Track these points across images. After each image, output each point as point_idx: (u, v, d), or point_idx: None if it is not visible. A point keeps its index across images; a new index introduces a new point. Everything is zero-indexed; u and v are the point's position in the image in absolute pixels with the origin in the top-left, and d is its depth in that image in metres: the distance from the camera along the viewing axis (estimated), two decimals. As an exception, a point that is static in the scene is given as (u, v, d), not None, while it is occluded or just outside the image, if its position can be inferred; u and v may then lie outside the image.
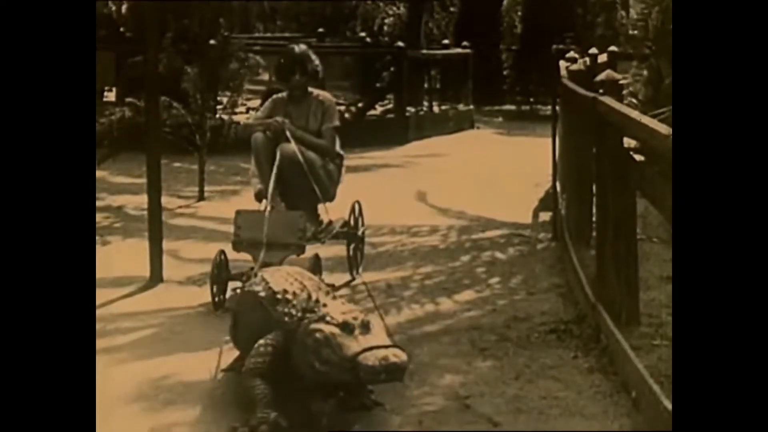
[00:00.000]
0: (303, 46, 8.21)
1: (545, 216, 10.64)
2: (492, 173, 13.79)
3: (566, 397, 5.61)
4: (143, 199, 8.75)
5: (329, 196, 7.96)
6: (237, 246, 7.57)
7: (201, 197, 11.96)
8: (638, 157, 6.15)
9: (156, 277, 8.07)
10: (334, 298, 5.35)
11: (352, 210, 8.33)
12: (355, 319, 4.94)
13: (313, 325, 5.00)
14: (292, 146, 7.65)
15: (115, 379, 5.83)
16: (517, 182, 12.71)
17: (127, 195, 11.70)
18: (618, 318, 6.16)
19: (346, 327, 4.89)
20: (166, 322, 7.09)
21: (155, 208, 8.26)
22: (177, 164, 13.07)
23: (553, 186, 10.17)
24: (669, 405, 4.82)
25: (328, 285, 5.85)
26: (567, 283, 7.86)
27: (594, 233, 7.42)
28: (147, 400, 5.62)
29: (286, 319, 5.23)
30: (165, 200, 8.83)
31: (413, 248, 9.58)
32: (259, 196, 7.90)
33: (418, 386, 5.78)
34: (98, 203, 10.25)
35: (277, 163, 7.60)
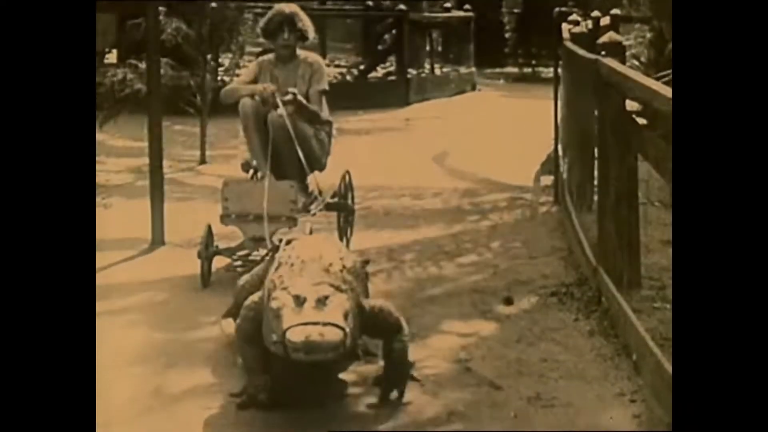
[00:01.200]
0: (293, 5, 7.66)
1: (547, 179, 10.64)
2: (493, 136, 13.76)
3: (567, 360, 5.62)
4: (144, 162, 8.75)
5: (321, 167, 7.57)
6: (225, 219, 7.25)
7: (202, 160, 11.96)
8: (640, 120, 6.13)
9: (157, 239, 8.08)
10: (327, 270, 4.97)
11: (342, 179, 7.94)
12: (317, 292, 4.65)
13: (275, 293, 4.78)
14: (283, 114, 7.20)
15: (117, 341, 5.84)
16: (518, 145, 12.69)
17: (129, 158, 11.70)
18: (619, 281, 6.16)
19: (298, 299, 4.62)
20: (167, 285, 7.10)
21: (156, 170, 8.24)
22: (178, 127, 13.05)
23: (555, 149, 10.15)
24: (669, 368, 4.84)
25: (362, 261, 5.62)
26: (568, 247, 7.87)
27: (595, 197, 7.41)
28: (149, 363, 5.63)
29: (270, 285, 5.00)
30: (166, 163, 8.83)
31: (415, 211, 9.57)
32: (246, 166, 7.60)
33: (420, 349, 5.79)
34: (99, 166, 10.25)
35: (271, 133, 7.19)
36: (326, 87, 7.58)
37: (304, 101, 7.32)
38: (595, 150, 7.51)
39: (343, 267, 5.11)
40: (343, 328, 4.54)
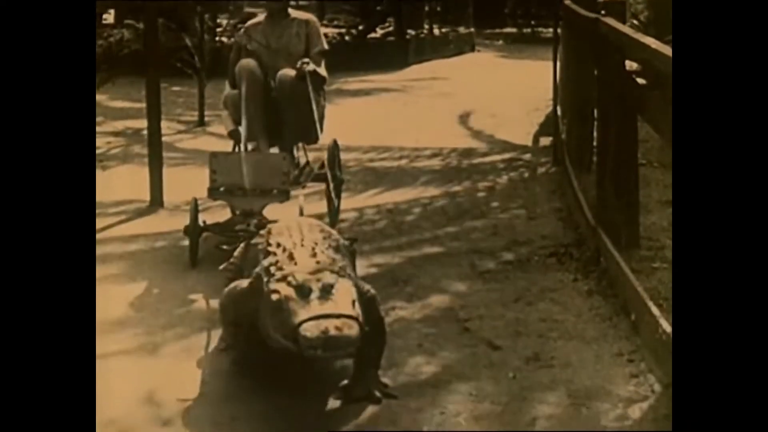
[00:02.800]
0: None
1: (546, 140, 10.62)
2: (492, 97, 13.73)
3: (566, 320, 5.64)
4: (143, 124, 8.73)
5: (316, 138, 7.15)
6: (213, 193, 6.82)
7: (201, 122, 11.93)
8: (640, 81, 6.12)
9: (156, 201, 8.07)
10: (314, 254, 4.66)
11: (329, 149, 7.47)
12: (318, 280, 4.34)
13: (273, 285, 4.44)
14: (291, 72, 6.92)
15: (114, 301, 5.86)
16: (517, 106, 12.67)
17: (127, 120, 11.67)
18: (618, 241, 6.17)
19: (302, 290, 4.29)
20: (166, 246, 7.10)
21: (155, 132, 8.22)
22: (176, 88, 13.02)
23: (554, 110, 10.13)
24: (668, 328, 4.85)
25: (347, 240, 5.39)
26: (567, 207, 7.87)
27: (595, 157, 7.41)
28: (146, 325, 5.64)
29: (264, 274, 4.63)
30: (164, 125, 8.80)
31: (414, 172, 9.57)
32: (236, 134, 7.15)
33: (418, 309, 5.81)
34: (97, 128, 10.23)
35: (273, 93, 6.86)
36: (326, 47, 7.37)
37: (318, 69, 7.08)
38: (595, 111, 7.49)
39: (335, 247, 4.89)
40: (356, 319, 4.25)
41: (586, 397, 4.68)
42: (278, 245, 4.78)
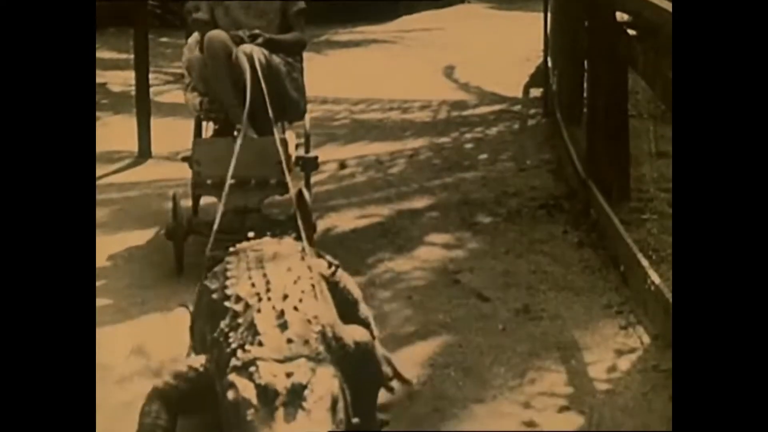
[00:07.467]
0: None
1: (536, 92, 10.58)
2: (483, 48, 13.66)
3: (555, 271, 5.64)
4: (130, 75, 8.67)
5: (300, 113, 6.22)
6: (199, 187, 5.84)
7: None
8: (631, 32, 6.08)
9: (145, 152, 8.06)
10: (283, 322, 3.58)
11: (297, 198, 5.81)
12: (288, 376, 3.35)
13: (231, 377, 3.43)
14: (256, 50, 5.81)
15: (108, 252, 5.85)
16: (507, 57, 12.60)
17: (115, 71, 11.58)
18: (608, 193, 6.16)
19: (265, 393, 3.32)
20: (156, 194, 7.09)
21: (143, 84, 8.19)
22: (164, 39, 12.92)
23: (545, 61, 10.08)
24: (657, 279, 4.86)
25: (328, 265, 4.32)
26: (557, 159, 7.85)
27: (585, 109, 7.38)
28: (138, 277, 5.64)
29: (223, 343, 3.65)
30: (152, 76, 8.76)
31: (403, 124, 9.53)
32: (214, 118, 6.11)
33: (407, 261, 5.81)
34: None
35: (249, 72, 5.63)
36: (303, 5, 6.28)
37: (277, 37, 6.05)
38: (585, 62, 7.46)
39: (311, 292, 3.83)
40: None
41: (575, 348, 4.69)
42: (237, 299, 3.77)
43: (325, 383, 3.39)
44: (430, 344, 4.75)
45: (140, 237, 6.29)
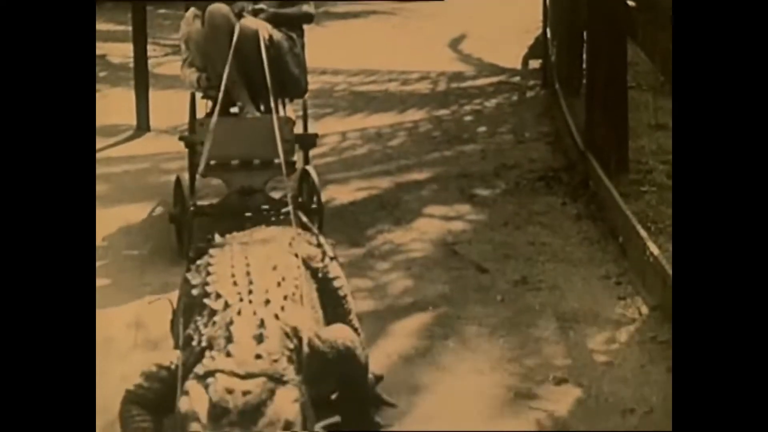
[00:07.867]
0: None
1: (535, 63, 10.56)
2: (482, 20, 13.61)
3: (554, 243, 5.65)
4: (129, 47, 8.64)
5: (300, 91, 5.99)
6: (203, 169, 5.52)
7: (187, 45, 11.80)
8: (630, 3, 6.06)
9: (143, 125, 8.05)
10: (259, 334, 3.32)
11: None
12: (245, 394, 3.11)
13: (189, 384, 3.23)
14: (260, 25, 5.65)
15: (106, 225, 5.86)
16: (507, 29, 12.57)
17: (113, 42, 11.54)
18: (607, 165, 6.16)
19: (216, 411, 3.09)
20: (154, 167, 7.09)
21: (141, 56, 8.17)
22: (162, 11, 12.87)
23: (544, 32, 10.05)
24: (655, 250, 4.86)
25: (322, 261, 4.02)
26: (556, 131, 7.84)
27: (584, 80, 7.37)
28: (136, 247, 5.65)
29: (194, 341, 3.46)
30: (150, 48, 8.73)
31: (402, 95, 9.51)
32: (213, 96, 5.77)
33: (406, 233, 5.81)
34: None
35: (234, 44, 5.49)
36: None
37: (282, 10, 5.89)
38: (584, 33, 7.44)
39: (295, 295, 3.64)
40: None
41: (573, 320, 4.70)
42: (217, 296, 3.56)
43: (281, 407, 3.14)
44: (429, 315, 4.75)
45: (139, 210, 6.28)
